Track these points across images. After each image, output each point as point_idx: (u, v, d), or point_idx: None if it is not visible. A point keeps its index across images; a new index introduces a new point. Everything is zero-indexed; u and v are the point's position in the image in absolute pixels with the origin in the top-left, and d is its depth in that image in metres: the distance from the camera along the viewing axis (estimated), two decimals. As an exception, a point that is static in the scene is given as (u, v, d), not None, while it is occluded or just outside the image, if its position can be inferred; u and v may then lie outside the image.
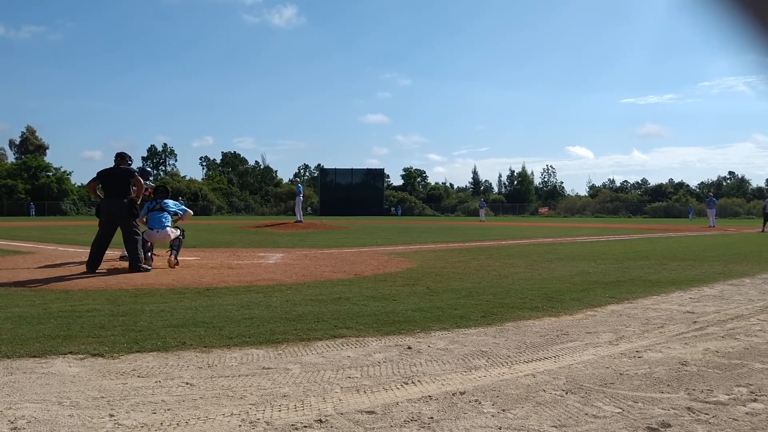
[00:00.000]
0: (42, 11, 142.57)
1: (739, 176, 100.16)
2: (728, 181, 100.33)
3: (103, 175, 9.72)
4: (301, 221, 28.38)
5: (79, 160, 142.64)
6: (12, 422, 2.88)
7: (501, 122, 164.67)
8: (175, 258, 9.98)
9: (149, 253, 9.96)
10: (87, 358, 4.10)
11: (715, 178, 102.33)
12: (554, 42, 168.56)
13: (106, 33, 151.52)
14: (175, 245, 10.11)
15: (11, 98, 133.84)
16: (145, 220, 10.19)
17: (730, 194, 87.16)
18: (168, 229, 10.18)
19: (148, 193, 10.88)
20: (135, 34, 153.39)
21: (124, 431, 2.78)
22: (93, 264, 9.34)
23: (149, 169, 11.90)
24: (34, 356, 4.14)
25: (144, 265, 9.38)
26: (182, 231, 10.47)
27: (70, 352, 4.24)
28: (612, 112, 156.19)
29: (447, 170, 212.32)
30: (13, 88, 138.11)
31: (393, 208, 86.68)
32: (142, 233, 9.85)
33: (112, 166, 9.81)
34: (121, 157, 9.90)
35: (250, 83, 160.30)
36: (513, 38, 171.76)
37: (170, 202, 10.43)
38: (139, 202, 9.84)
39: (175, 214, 10.39)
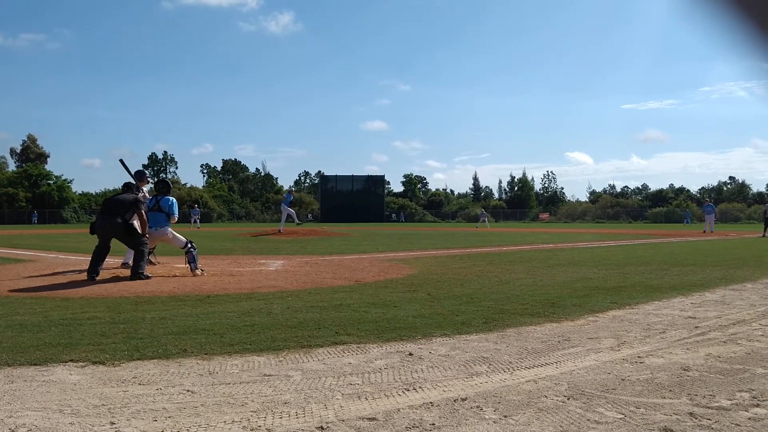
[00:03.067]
0: (40, 19, 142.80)
1: (740, 181, 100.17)
2: (729, 186, 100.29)
3: (105, 201, 10.02)
4: (281, 231, 27.59)
5: (80, 168, 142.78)
6: (13, 430, 2.88)
7: (501, 128, 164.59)
8: (196, 269, 9.96)
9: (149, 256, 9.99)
10: (88, 366, 4.10)
11: (715, 183, 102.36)
12: (555, 48, 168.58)
13: (104, 41, 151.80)
14: (190, 259, 10.06)
15: (11, 107, 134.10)
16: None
17: (730, 199, 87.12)
18: (167, 228, 10.23)
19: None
20: (132, 42, 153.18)
21: (125, 439, 2.77)
22: (93, 271, 9.36)
23: (146, 171, 11.92)
24: (35, 364, 4.13)
25: (145, 274, 9.37)
26: (190, 241, 10.38)
27: (71, 360, 4.23)
28: (612, 117, 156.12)
29: (447, 176, 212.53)
30: (13, 97, 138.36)
31: (394, 215, 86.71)
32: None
33: (118, 193, 10.14)
34: (128, 187, 10.18)
35: (249, 91, 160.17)
36: (513, 45, 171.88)
37: (164, 201, 10.41)
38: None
39: (168, 214, 10.37)
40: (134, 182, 10.53)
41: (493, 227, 52.22)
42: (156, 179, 11.03)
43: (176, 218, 10.50)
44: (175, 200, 10.58)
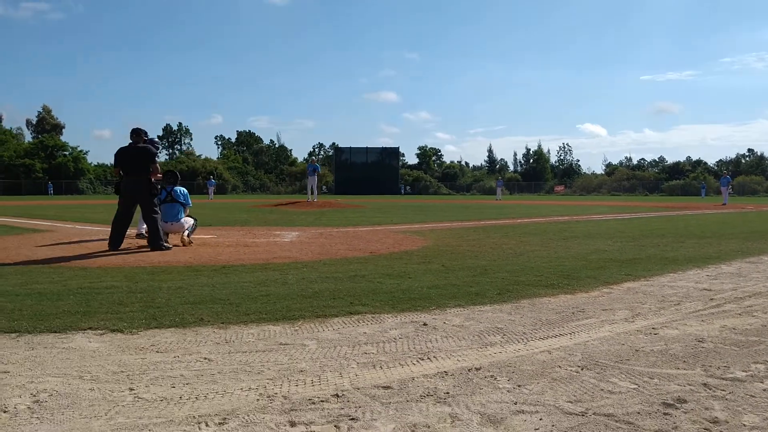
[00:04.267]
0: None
1: (759, 153, 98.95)
2: (747, 159, 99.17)
3: (121, 155, 9.66)
4: (313, 201, 28.13)
5: (91, 139, 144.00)
6: (34, 395, 2.93)
7: (518, 100, 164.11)
8: (188, 236, 10.06)
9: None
10: (106, 334, 4.16)
11: (733, 156, 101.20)
12: (575, 19, 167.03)
13: (109, 12, 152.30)
14: (191, 228, 10.20)
15: (19, 77, 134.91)
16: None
17: (748, 172, 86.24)
18: (182, 220, 10.20)
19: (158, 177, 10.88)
20: (139, 13, 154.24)
21: (144, 404, 2.82)
22: (115, 242, 9.35)
23: (156, 139, 11.75)
24: (55, 332, 4.20)
25: (165, 244, 9.39)
26: (195, 219, 10.55)
27: (90, 328, 4.29)
28: (631, 89, 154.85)
29: (459, 149, 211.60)
30: (19, 68, 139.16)
31: (408, 187, 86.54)
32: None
33: (128, 144, 9.74)
34: (137, 134, 9.73)
35: (262, 60, 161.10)
36: (533, 15, 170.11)
37: (179, 191, 10.35)
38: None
39: (184, 204, 10.35)
40: (145, 136, 10.03)
41: (507, 200, 52.07)
42: (165, 170, 10.65)
43: (191, 205, 10.51)
44: (186, 191, 10.57)
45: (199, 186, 68.35)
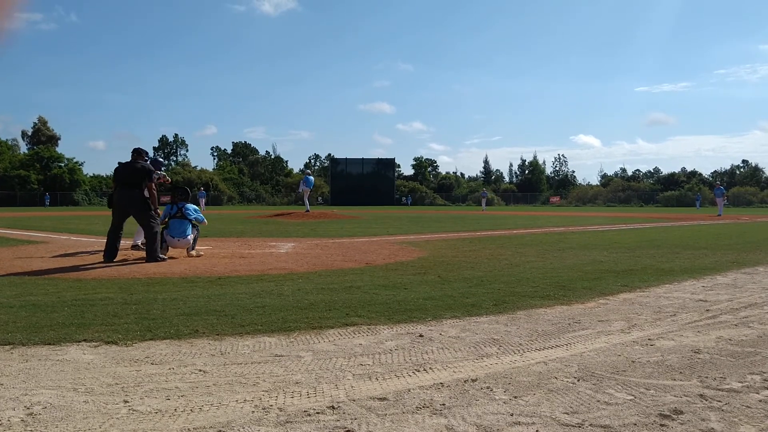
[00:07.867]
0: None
1: (753, 165, 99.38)
2: (741, 170, 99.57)
3: (120, 170, 9.74)
4: (308, 211, 28.35)
5: (85, 150, 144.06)
6: (28, 408, 2.91)
7: (513, 111, 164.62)
8: (193, 249, 10.06)
9: (164, 244, 9.92)
10: (101, 346, 4.14)
11: (728, 167, 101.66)
12: (572, 32, 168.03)
13: (96, 23, 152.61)
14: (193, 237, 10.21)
15: (13, 89, 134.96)
16: (166, 222, 10.10)
17: (743, 183, 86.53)
18: (189, 237, 10.13)
19: (167, 182, 10.85)
20: (122, 25, 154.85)
21: (139, 417, 2.80)
22: (110, 254, 9.36)
23: (161, 159, 11.87)
24: (49, 344, 4.18)
25: (161, 255, 9.38)
26: (197, 231, 10.56)
27: (84, 340, 4.27)
28: (625, 100, 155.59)
29: (453, 160, 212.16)
30: (14, 79, 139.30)
31: (404, 198, 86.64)
32: (162, 231, 9.83)
33: (129, 160, 9.84)
34: (138, 153, 9.87)
35: (250, 73, 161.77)
36: (532, 28, 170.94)
37: (191, 208, 10.31)
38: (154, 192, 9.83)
39: (194, 222, 10.31)
40: (146, 156, 10.18)
41: (503, 210, 52.10)
42: (175, 186, 10.64)
43: (206, 222, 10.58)
44: (198, 207, 10.57)
45: (195, 198, 68.33)
